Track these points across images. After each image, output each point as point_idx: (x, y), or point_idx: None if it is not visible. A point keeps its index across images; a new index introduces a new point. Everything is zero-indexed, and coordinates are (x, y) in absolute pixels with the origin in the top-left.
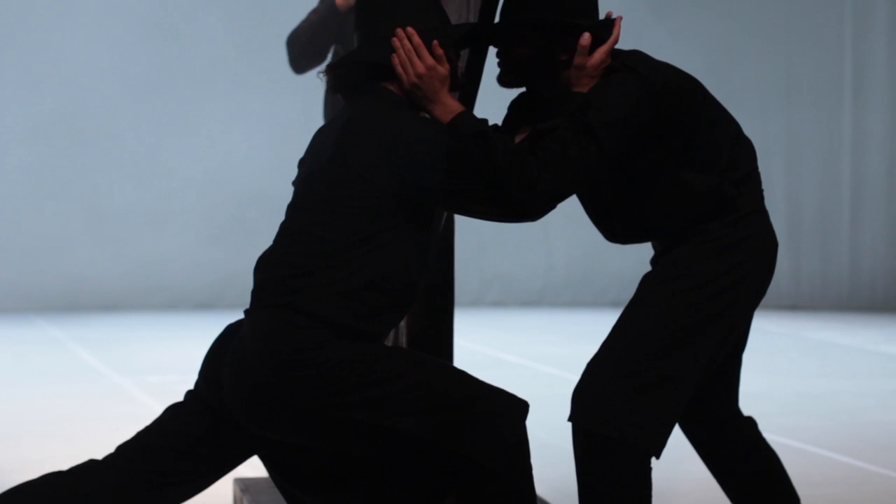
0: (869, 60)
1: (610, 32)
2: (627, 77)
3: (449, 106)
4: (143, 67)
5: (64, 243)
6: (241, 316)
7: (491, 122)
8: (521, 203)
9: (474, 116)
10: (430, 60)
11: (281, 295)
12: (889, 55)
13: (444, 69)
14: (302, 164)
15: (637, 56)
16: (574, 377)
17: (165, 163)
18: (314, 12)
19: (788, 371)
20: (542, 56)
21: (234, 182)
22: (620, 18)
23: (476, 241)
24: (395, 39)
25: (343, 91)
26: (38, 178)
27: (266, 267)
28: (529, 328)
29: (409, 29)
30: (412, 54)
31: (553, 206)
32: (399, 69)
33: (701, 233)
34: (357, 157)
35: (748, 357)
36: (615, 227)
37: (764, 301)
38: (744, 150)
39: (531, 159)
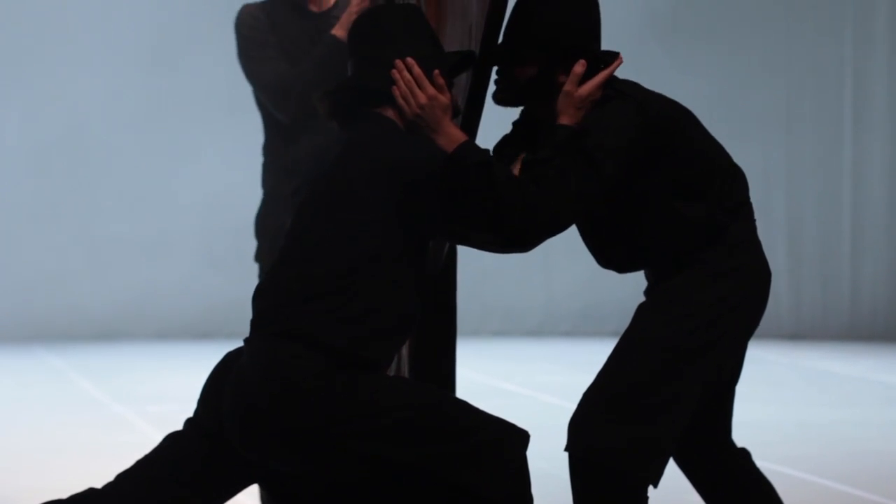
0: (869, 90)
1: (608, 63)
2: (624, 105)
3: (452, 135)
4: (142, 97)
5: (64, 272)
6: (240, 345)
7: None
8: (522, 232)
9: (477, 146)
10: (431, 90)
11: (280, 323)
12: (890, 85)
13: (445, 98)
14: (298, 189)
15: (631, 85)
16: (574, 406)
17: (165, 192)
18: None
19: (789, 400)
20: (543, 77)
21: (234, 211)
22: (621, 59)
23: (477, 270)
24: (394, 71)
25: (339, 117)
26: (38, 208)
27: (265, 295)
28: (530, 358)
29: (409, 60)
30: (412, 85)
31: (553, 235)
32: (400, 101)
33: (694, 262)
34: (356, 182)
35: (749, 386)
36: (609, 253)
37: (764, 330)
38: (736, 180)
39: (533, 188)
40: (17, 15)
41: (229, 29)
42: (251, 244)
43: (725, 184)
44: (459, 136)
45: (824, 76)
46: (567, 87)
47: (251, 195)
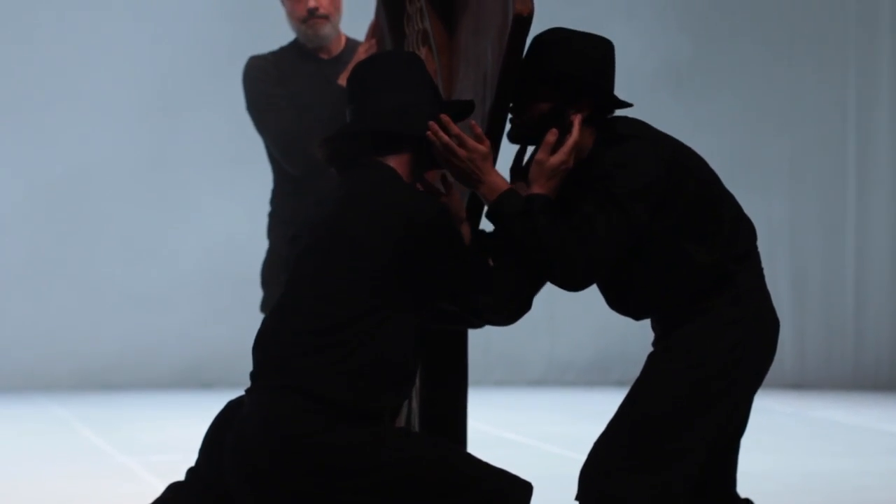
0: (873, 141)
1: (620, 106)
2: (640, 144)
3: (494, 184)
4: (144, 147)
5: (66, 321)
6: (242, 394)
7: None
8: (568, 279)
9: (517, 195)
10: (471, 143)
11: (281, 376)
12: (892, 137)
13: (485, 147)
14: (297, 237)
15: (639, 124)
16: (580, 457)
17: (167, 241)
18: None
19: (793, 450)
20: (555, 113)
21: (236, 261)
22: (580, 118)
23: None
24: (429, 133)
25: (338, 164)
26: (41, 257)
27: (265, 346)
28: (534, 407)
29: (444, 118)
30: (452, 145)
31: (593, 282)
32: (440, 159)
33: (702, 311)
34: (356, 231)
35: (753, 436)
36: (622, 298)
37: (768, 380)
38: (744, 228)
39: (571, 236)
40: (19, 64)
41: (232, 81)
42: (253, 294)
43: (734, 230)
44: (501, 184)
45: (827, 126)
46: (539, 155)
47: (253, 245)
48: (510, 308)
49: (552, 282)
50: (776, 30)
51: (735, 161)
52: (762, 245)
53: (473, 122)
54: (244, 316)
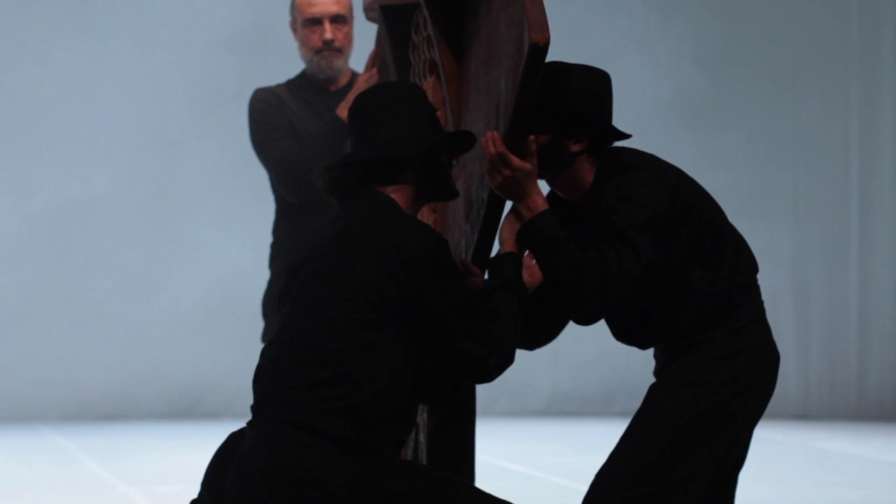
0: (875, 172)
1: (620, 136)
2: (643, 175)
3: (533, 203)
4: (147, 179)
5: (69, 352)
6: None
7: None
8: (581, 313)
9: (552, 219)
10: (516, 162)
11: (281, 410)
12: (895, 171)
13: (530, 166)
14: (296, 269)
15: (642, 154)
16: (583, 487)
17: (171, 273)
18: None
19: (796, 481)
20: (555, 145)
21: (239, 292)
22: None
23: None
24: (482, 139)
25: (337, 194)
26: (43, 288)
27: (265, 379)
28: (537, 438)
29: (494, 134)
30: (496, 160)
31: (604, 316)
32: (486, 172)
33: (705, 341)
34: (353, 263)
35: (756, 467)
36: (627, 327)
37: (772, 410)
38: (746, 259)
39: (589, 271)
40: (22, 95)
41: (235, 115)
42: (255, 325)
43: (737, 260)
44: (540, 205)
45: (830, 157)
46: (510, 214)
47: (254, 277)
48: (492, 362)
49: (564, 313)
50: (780, 65)
51: (739, 193)
52: (766, 276)
53: (532, 136)
54: (245, 347)
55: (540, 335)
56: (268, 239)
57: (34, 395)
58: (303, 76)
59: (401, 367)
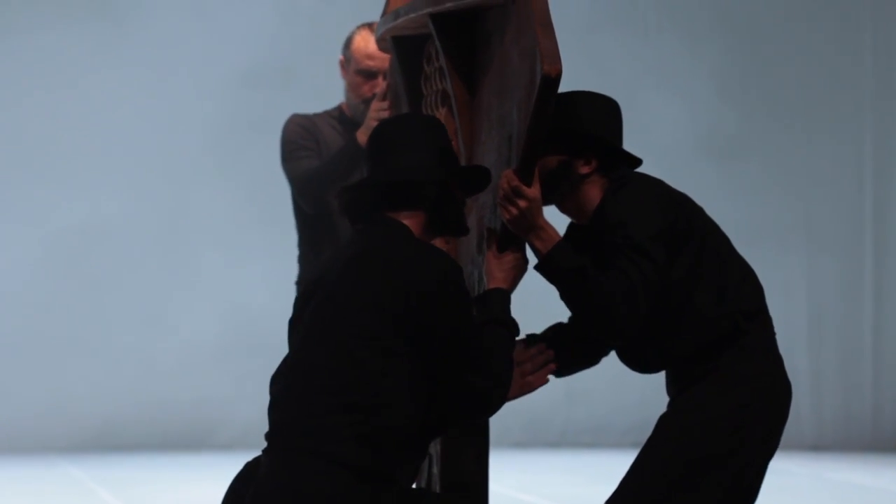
0: (890, 203)
1: (630, 159)
2: (648, 191)
3: (546, 235)
4: (159, 212)
5: (83, 384)
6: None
7: None
8: (613, 335)
9: (570, 249)
10: (531, 193)
11: (298, 438)
12: None
13: (538, 195)
14: (308, 295)
15: (649, 178)
16: None
17: (185, 302)
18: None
19: None
20: (563, 168)
21: (253, 325)
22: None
23: None
24: (500, 183)
25: (351, 215)
26: (56, 316)
27: (282, 407)
28: (551, 469)
29: (509, 173)
30: (510, 195)
31: (636, 331)
32: (500, 208)
33: (712, 369)
34: (372, 290)
35: (770, 498)
36: (633, 350)
37: (786, 441)
38: (752, 287)
39: (617, 290)
40: (35, 127)
41: (250, 148)
42: (268, 357)
43: (743, 286)
44: (554, 235)
45: (843, 187)
46: (492, 249)
47: (268, 309)
48: (494, 396)
49: (600, 335)
50: (794, 97)
51: (750, 224)
52: (781, 306)
53: (537, 169)
54: (263, 382)
55: (579, 360)
56: (280, 271)
57: (47, 425)
58: (340, 110)
59: (414, 393)
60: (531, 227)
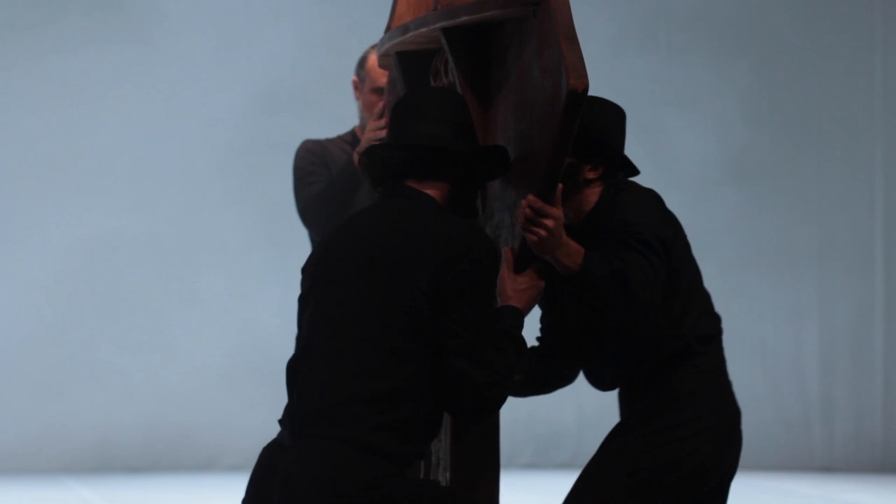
0: None
1: (628, 166)
2: (637, 195)
3: (572, 250)
4: (171, 233)
5: (95, 405)
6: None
7: None
8: (646, 327)
9: (597, 255)
10: (555, 212)
11: (330, 426)
12: None
13: (561, 213)
14: (325, 266)
15: (622, 179)
16: None
17: (194, 326)
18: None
19: None
20: (573, 170)
21: (264, 348)
22: (509, 250)
23: (508, 401)
24: (519, 211)
25: (375, 176)
26: (67, 338)
27: (309, 391)
28: (562, 491)
29: (531, 198)
30: (535, 219)
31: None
32: (525, 232)
33: (662, 386)
34: (401, 270)
35: None
36: (591, 365)
37: (797, 463)
38: (711, 316)
39: (649, 284)
40: (41, 152)
41: (262, 172)
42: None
43: (702, 314)
44: (578, 248)
45: (854, 209)
46: (506, 269)
47: (278, 333)
48: (489, 394)
49: (634, 331)
50: (806, 120)
51: (761, 244)
52: (790, 327)
53: (561, 185)
54: (272, 401)
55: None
56: (290, 296)
57: (58, 447)
58: (353, 135)
59: (434, 378)
60: (557, 245)
